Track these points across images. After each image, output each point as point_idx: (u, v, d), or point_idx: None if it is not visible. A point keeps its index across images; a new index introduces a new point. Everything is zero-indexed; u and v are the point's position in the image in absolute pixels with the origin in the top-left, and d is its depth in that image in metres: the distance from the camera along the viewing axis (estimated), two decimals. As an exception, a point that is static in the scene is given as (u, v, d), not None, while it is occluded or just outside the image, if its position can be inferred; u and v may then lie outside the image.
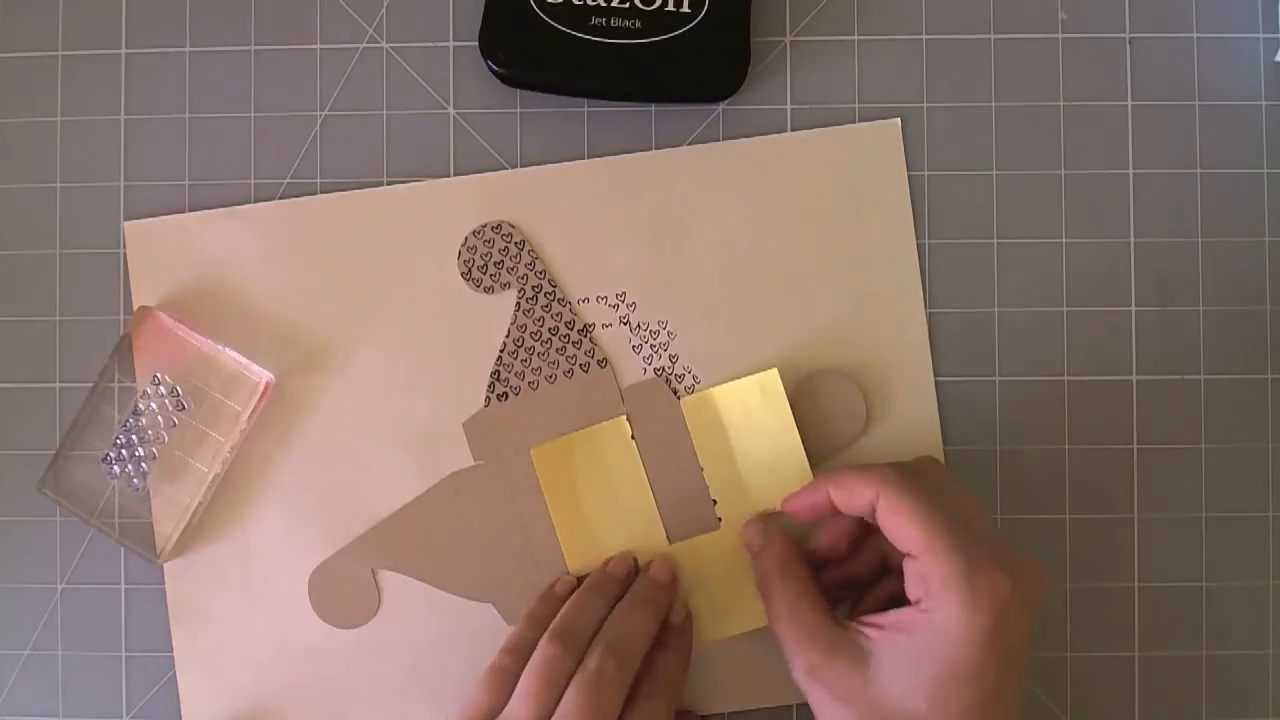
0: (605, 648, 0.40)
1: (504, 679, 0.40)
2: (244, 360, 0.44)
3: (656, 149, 0.46)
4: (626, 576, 0.44)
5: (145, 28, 0.46)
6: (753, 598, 0.44)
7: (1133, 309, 0.46)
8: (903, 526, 0.37)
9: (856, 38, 0.46)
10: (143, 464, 0.45)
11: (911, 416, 0.45)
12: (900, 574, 0.38)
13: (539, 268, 0.45)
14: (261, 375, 0.45)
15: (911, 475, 0.38)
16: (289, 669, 0.45)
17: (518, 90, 0.46)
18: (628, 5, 0.44)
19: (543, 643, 0.40)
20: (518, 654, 0.40)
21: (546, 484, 0.44)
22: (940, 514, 0.37)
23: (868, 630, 0.37)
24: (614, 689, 0.39)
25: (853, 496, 0.39)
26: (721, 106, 0.46)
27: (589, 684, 0.38)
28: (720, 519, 0.44)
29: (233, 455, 0.45)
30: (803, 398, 0.44)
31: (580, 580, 0.44)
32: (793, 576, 0.41)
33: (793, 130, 0.46)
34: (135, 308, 0.45)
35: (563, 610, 0.41)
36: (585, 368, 0.45)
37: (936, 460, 0.44)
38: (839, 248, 0.45)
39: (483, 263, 0.45)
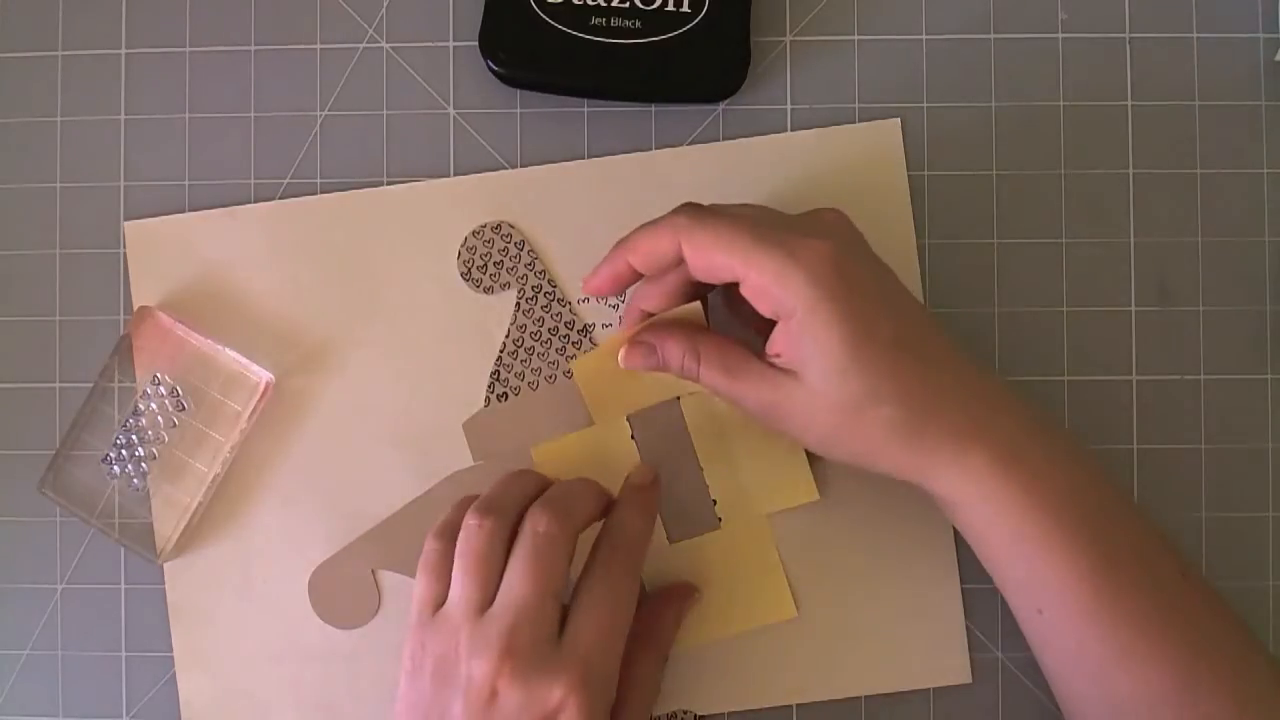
0: (540, 508, 0.38)
1: (441, 562, 0.39)
2: (244, 360, 0.44)
3: (656, 149, 0.46)
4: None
5: (145, 28, 0.46)
6: (753, 597, 0.44)
7: (1133, 309, 0.46)
8: (714, 259, 0.37)
9: (856, 38, 0.46)
10: (143, 464, 0.45)
11: (911, 416, 0.45)
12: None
13: (539, 268, 0.45)
14: (261, 375, 0.45)
15: (701, 209, 0.38)
16: (289, 669, 0.45)
17: (518, 90, 0.46)
18: (628, 5, 0.44)
19: (468, 518, 0.38)
20: (446, 536, 0.39)
21: (546, 484, 0.44)
22: (741, 227, 0.37)
23: (777, 349, 0.38)
24: (556, 548, 0.37)
25: (654, 255, 0.39)
26: (721, 106, 0.46)
27: (527, 546, 0.37)
28: (720, 519, 0.44)
29: (233, 455, 0.45)
30: (803, 398, 0.44)
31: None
32: (703, 340, 0.40)
33: (793, 130, 0.46)
34: (135, 308, 0.45)
35: (489, 488, 0.40)
36: (585, 368, 0.45)
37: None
38: (839, 248, 0.45)
39: (483, 263, 0.45)
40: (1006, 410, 0.38)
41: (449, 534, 0.39)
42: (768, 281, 0.36)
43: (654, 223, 0.39)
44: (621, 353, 0.41)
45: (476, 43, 0.45)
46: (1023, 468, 0.37)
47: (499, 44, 0.44)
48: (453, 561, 0.38)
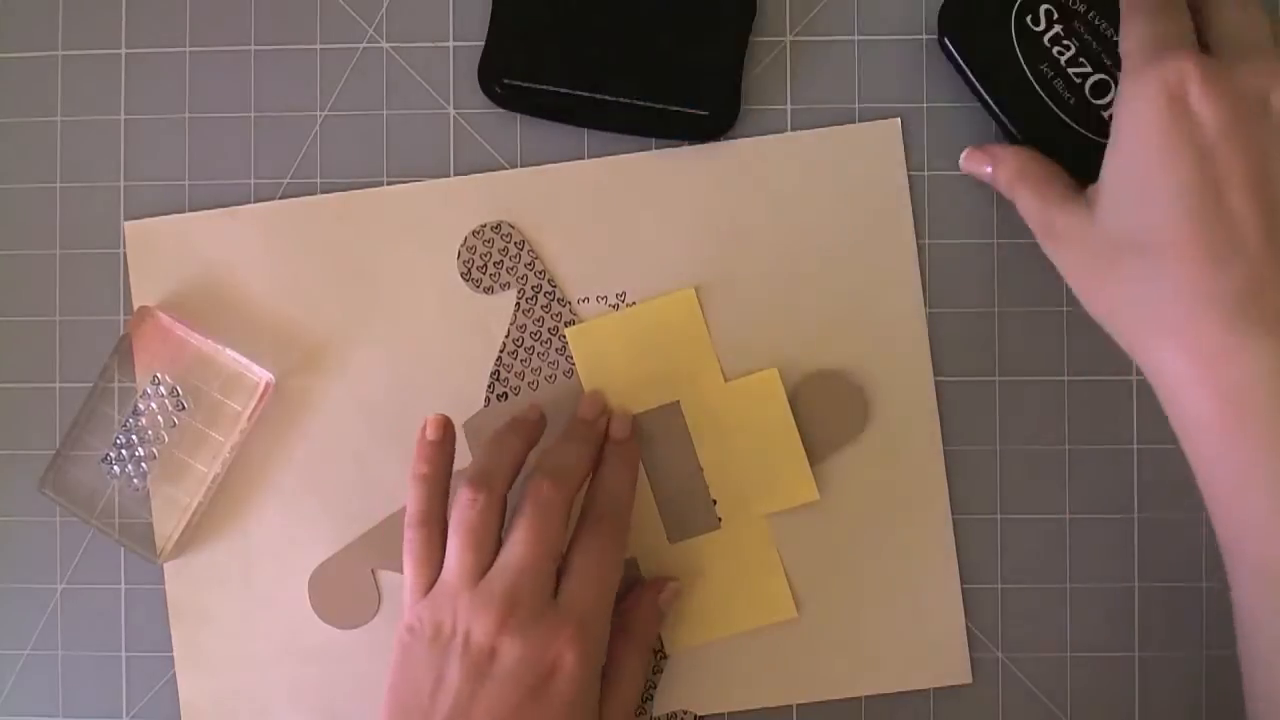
0: (538, 474, 0.39)
1: (426, 547, 0.39)
2: (244, 360, 0.44)
3: (656, 149, 0.46)
4: (541, 420, 0.43)
5: (145, 28, 0.46)
6: (753, 597, 0.44)
7: (1133, 309, 0.45)
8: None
9: (856, 38, 0.46)
10: (143, 464, 0.45)
11: (911, 416, 0.45)
12: None
13: (539, 268, 0.45)
14: (261, 375, 0.45)
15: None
16: (289, 669, 0.45)
17: (518, 90, 0.46)
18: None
19: (462, 493, 0.39)
20: (429, 524, 0.40)
21: (546, 484, 0.44)
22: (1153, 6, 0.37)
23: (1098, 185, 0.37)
24: (554, 511, 0.38)
25: None
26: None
27: (528, 512, 0.38)
28: (720, 519, 0.44)
29: (233, 455, 0.45)
30: (803, 398, 0.45)
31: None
32: (1022, 153, 0.41)
33: (793, 130, 0.46)
34: (135, 308, 0.45)
35: (476, 457, 0.41)
36: (585, 368, 0.45)
37: None
38: (839, 247, 0.45)
39: (483, 263, 0.45)
40: None
41: (427, 519, 0.40)
42: (1130, 64, 0.36)
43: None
44: (963, 155, 0.44)
45: (476, 42, 0.45)
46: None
47: (496, 81, 0.44)
48: (438, 545, 0.39)
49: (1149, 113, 0.36)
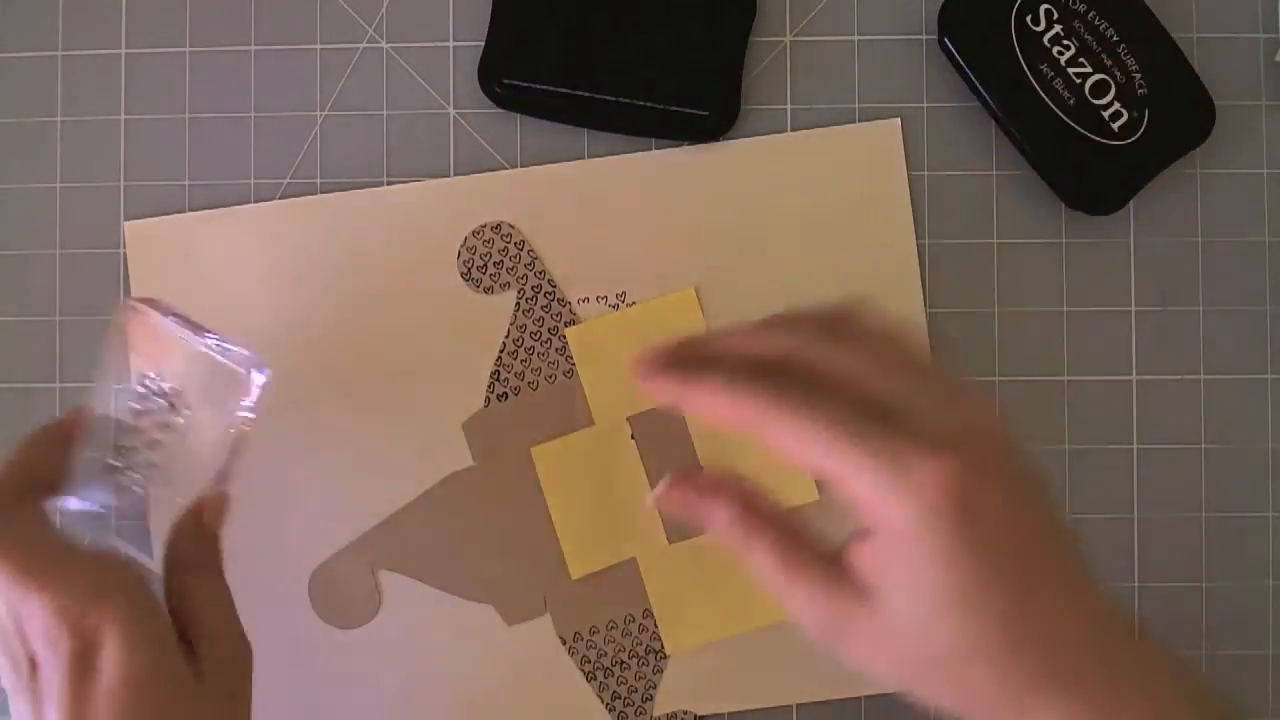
0: None
1: None
2: (238, 351, 0.44)
3: (656, 149, 0.46)
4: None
5: (145, 28, 0.46)
6: (753, 597, 0.44)
7: (1133, 309, 0.46)
8: (801, 454, 0.29)
9: (856, 38, 0.46)
10: (141, 466, 0.45)
11: (911, 416, 0.45)
12: None
13: (539, 268, 0.45)
14: (260, 374, 0.44)
15: (788, 384, 0.30)
16: (289, 669, 0.45)
17: (518, 90, 0.46)
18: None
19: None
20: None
21: (546, 484, 0.44)
22: (840, 417, 0.29)
23: (857, 562, 0.30)
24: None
25: (715, 420, 0.31)
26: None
27: None
28: (720, 519, 0.44)
29: (233, 455, 0.44)
30: (803, 398, 0.44)
31: None
32: (759, 508, 0.32)
33: (793, 130, 0.46)
34: (125, 302, 0.45)
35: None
36: (585, 368, 0.45)
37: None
38: (839, 248, 0.45)
39: (483, 263, 0.45)
40: (1148, 689, 0.30)
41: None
42: (866, 494, 0.28)
43: (727, 384, 0.30)
44: (656, 491, 0.33)
45: (475, 42, 0.45)
46: None
47: (494, 81, 0.44)
48: None
49: (918, 520, 0.28)
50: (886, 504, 0.28)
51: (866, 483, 0.28)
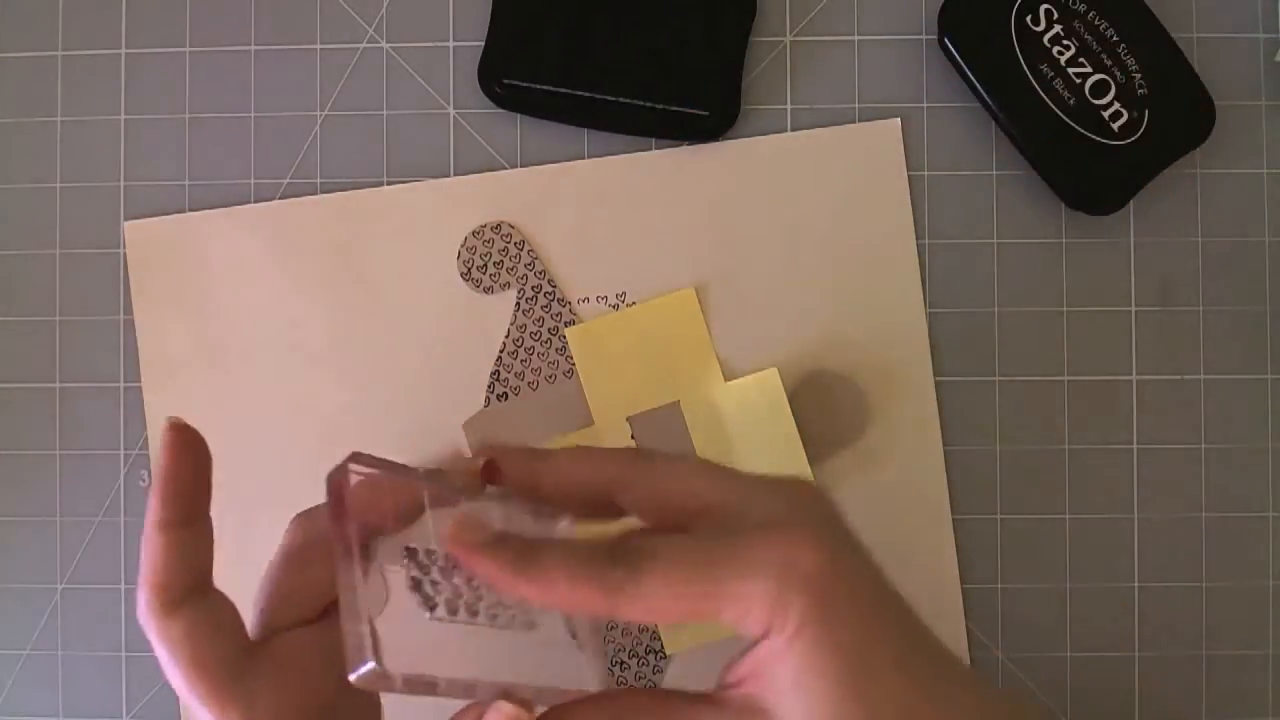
0: None
1: None
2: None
3: (656, 149, 0.46)
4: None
5: (145, 28, 0.46)
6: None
7: (1133, 309, 0.46)
8: (670, 584, 0.28)
9: (856, 38, 0.46)
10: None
11: (911, 416, 0.45)
12: None
13: (539, 268, 0.45)
14: None
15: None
16: (289, 669, 0.45)
17: (518, 90, 0.46)
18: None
19: None
20: None
21: (546, 484, 0.44)
22: (705, 537, 0.28)
23: (733, 680, 0.29)
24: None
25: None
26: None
27: None
28: (720, 519, 0.44)
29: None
30: (803, 398, 0.44)
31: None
32: (622, 704, 0.30)
33: (793, 130, 0.46)
34: (136, 315, 0.45)
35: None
36: (585, 368, 0.45)
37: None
38: (839, 248, 0.45)
39: (483, 263, 0.45)
40: None
41: None
42: (745, 602, 0.28)
43: (569, 574, 0.28)
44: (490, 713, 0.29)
45: (475, 42, 0.45)
46: None
47: (495, 81, 0.44)
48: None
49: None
50: (768, 606, 0.27)
51: (745, 591, 0.28)
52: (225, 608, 0.34)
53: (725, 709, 0.29)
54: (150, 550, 0.31)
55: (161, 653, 0.31)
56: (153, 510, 0.31)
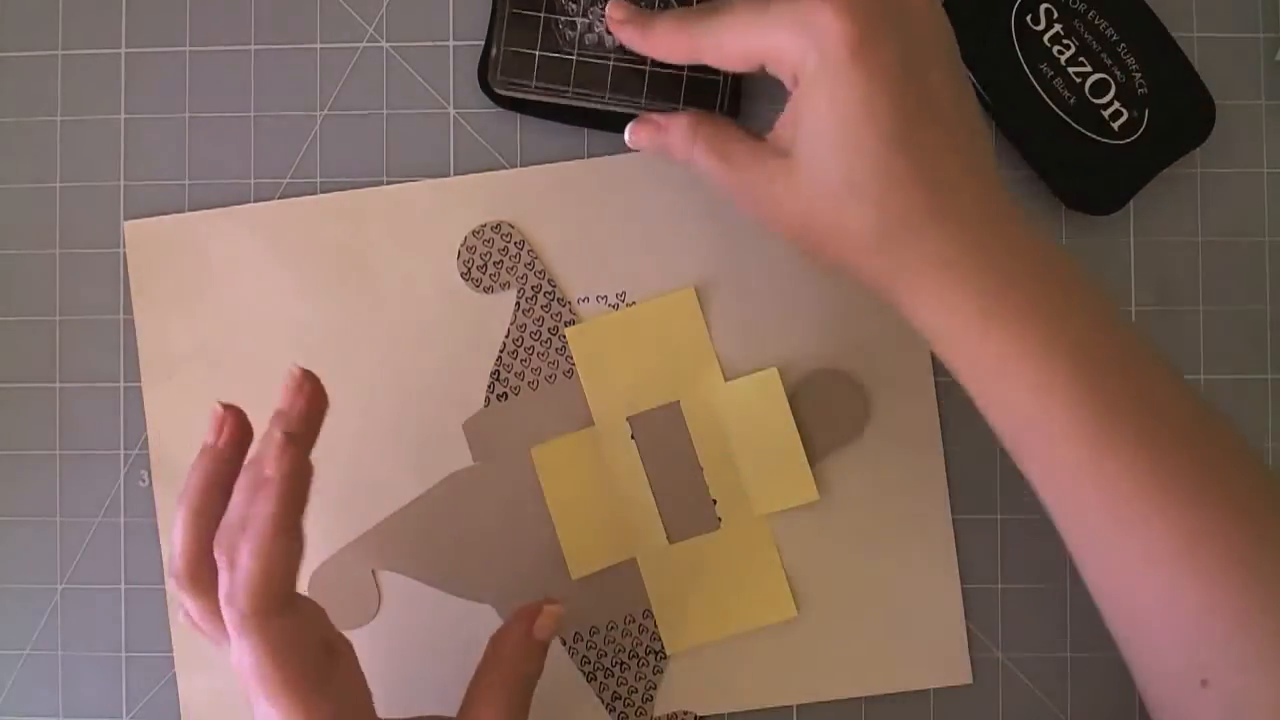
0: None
1: None
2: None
3: (656, 149, 0.46)
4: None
5: (145, 28, 0.46)
6: (753, 597, 0.44)
7: (1133, 309, 0.46)
8: (727, 44, 0.36)
9: (856, 38, 0.46)
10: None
11: (911, 416, 0.45)
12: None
13: (539, 268, 0.45)
14: None
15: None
16: (289, 669, 0.45)
17: (518, 90, 0.46)
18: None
19: None
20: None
21: (546, 484, 0.45)
22: (755, 5, 0.34)
23: (779, 129, 0.36)
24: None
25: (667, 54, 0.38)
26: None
27: None
28: (720, 519, 0.44)
29: None
30: (803, 398, 0.45)
31: None
32: (706, 121, 0.39)
33: (793, 130, 0.46)
34: (135, 308, 0.45)
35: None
36: (585, 368, 0.45)
37: None
38: (839, 248, 0.45)
39: (483, 263, 0.45)
40: (1010, 246, 0.33)
41: None
42: (783, 55, 0.34)
43: (675, 22, 0.37)
44: (629, 129, 0.42)
45: (476, 42, 0.45)
46: (1012, 312, 0.33)
47: (495, 81, 0.44)
48: None
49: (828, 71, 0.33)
50: (795, 55, 0.33)
51: (782, 43, 0.33)
52: (312, 607, 0.35)
53: (767, 150, 0.36)
54: (269, 553, 0.32)
55: (258, 655, 0.32)
56: (276, 516, 0.32)
